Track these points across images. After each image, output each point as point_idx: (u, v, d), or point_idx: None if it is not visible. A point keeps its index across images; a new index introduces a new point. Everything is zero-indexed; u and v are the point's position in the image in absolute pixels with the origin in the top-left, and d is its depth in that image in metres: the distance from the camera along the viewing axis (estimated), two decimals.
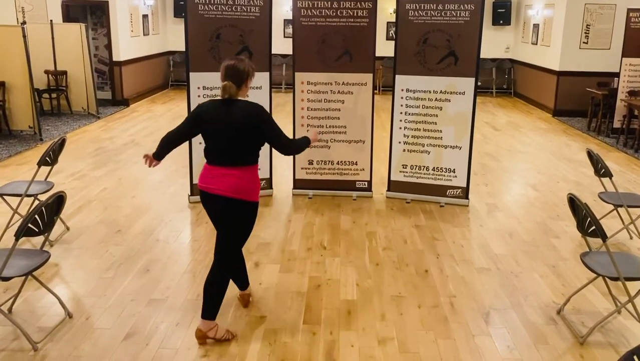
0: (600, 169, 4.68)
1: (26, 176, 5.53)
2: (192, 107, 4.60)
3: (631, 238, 5.05)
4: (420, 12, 5.54)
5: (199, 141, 4.66)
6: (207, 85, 5.53)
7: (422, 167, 5.85)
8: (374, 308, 3.76)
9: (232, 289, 3.74)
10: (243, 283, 3.73)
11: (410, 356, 3.25)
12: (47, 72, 9.99)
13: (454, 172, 5.76)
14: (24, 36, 7.97)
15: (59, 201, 3.35)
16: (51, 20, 10.09)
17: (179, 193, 6.01)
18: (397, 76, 5.74)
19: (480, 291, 4.04)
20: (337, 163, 5.97)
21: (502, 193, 6.36)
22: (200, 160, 4.76)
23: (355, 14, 5.63)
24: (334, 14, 5.63)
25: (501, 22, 13.70)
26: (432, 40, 5.56)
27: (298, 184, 6.05)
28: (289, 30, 13.33)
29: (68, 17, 10.94)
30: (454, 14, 5.46)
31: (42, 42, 9.89)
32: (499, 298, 3.94)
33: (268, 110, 5.74)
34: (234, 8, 5.47)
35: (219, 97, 3.27)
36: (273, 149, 4.39)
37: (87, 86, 10.15)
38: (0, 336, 3.34)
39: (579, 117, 10.78)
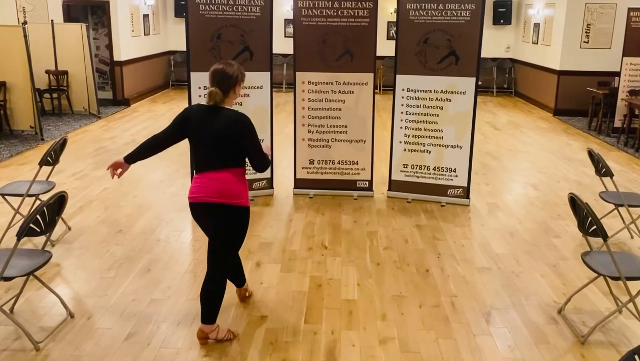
0: (601, 169, 4.68)
1: (27, 176, 5.53)
2: None
3: (632, 237, 5.05)
4: (420, 11, 5.55)
5: None
6: (207, 85, 5.48)
7: (422, 167, 5.85)
8: (375, 308, 3.77)
9: (232, 288, 3.75)
10: (239, 282, 3.72)
11: (411, 356, 3.25)
12: (48, 72, 9.99)
13: (455, 171, 5.76)
14: (25, 36, 7.97)
15: (60, 201, 3.35)
16: (52, 20, 10.09)
17: (179, 193, 6.01)
18: (397, 76, 5.74)
19: (481, 290, 4.04)
20: (338, 163, 5.97)
21: (502, 193, 6.36)
22: None
23: (356, 14, 5.63)
24: (335, 13, 5.63)
25: (502, 21, 13.70)
26: (433, 39, 5.56)
27: (299, 183, 6.06)
28: (290, 30, 13.32)
29: (69, 17, 10.95)
30: (455, 14, 5.46)
31: (43, 42, 9.89)
32: (500, 298, 3.94)
33: (269, 110, 5.76)
34: (234, 8, 5.47)
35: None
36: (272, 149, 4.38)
37: (88, 86, 10.16)
38: (2, 336, 3.35)
39: (579, 116, 10.78)
